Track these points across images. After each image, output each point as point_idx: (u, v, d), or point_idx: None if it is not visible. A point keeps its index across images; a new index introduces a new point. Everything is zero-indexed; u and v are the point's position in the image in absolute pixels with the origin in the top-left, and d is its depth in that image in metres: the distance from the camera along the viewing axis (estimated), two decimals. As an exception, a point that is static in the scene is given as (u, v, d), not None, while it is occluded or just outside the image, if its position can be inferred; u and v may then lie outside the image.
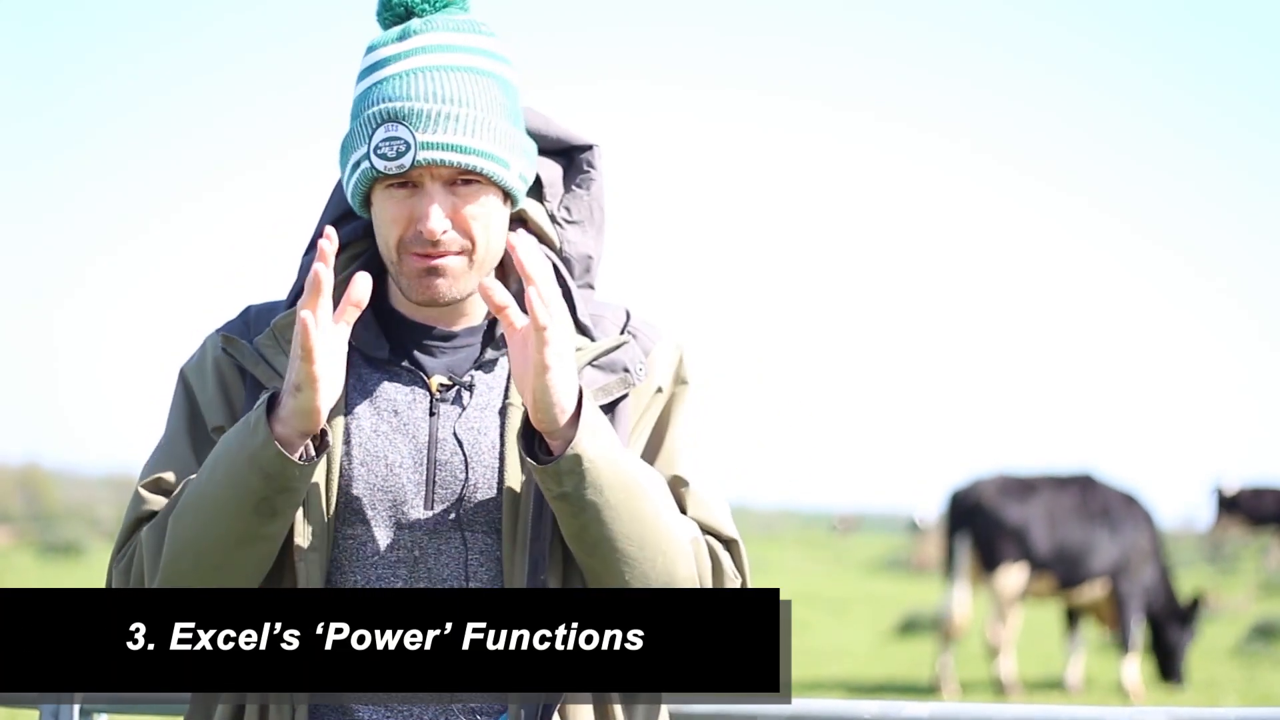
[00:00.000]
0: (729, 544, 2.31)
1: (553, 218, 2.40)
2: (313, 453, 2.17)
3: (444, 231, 2.22)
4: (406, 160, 2.20)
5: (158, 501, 2.27)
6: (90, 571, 22.38)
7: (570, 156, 2.43)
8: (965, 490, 13.73)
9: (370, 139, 2.22)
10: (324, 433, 2.19)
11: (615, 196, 2.45)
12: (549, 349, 2.10)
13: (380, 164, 2.21)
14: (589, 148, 2.42)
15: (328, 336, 2.13)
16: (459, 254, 2.24)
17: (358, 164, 2.24)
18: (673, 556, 2.21)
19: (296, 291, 2.35)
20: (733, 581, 2.29)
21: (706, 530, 2.30)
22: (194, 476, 2.21)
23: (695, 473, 2.32)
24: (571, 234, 2.40)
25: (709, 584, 2.26)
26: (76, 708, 3.03)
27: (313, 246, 2.38)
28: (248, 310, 2.37)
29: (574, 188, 2.41)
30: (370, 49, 2.29)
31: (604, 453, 2.15)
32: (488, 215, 2.25)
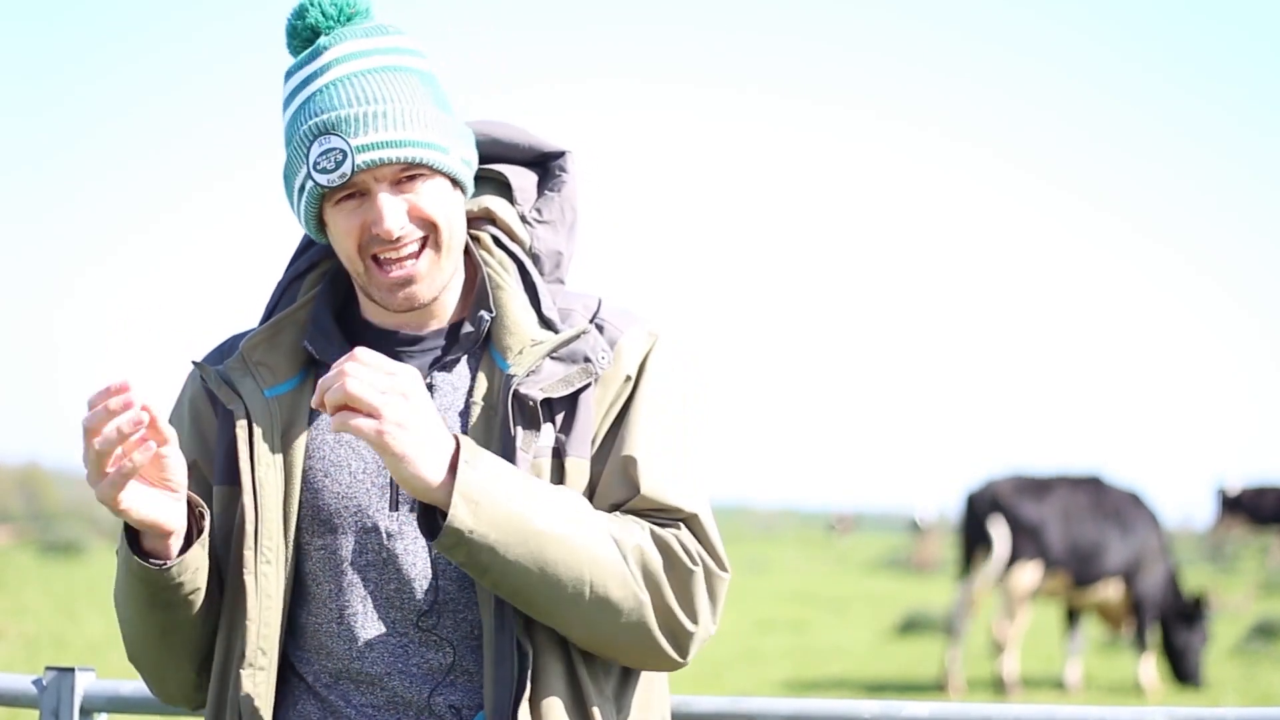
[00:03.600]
0: (688, 520, 2.25)
1: (524, 219, 2.40)
2: (179, 548, 2.19)
3: (400, 229, 2.22)
4: (347, 167, 2.20)
5: None
6: (90, 570, 22.38)
7: (545, 165, 2.44)
8: (981, 489, 13.78)
9: (308, 157, 2.22)
10: (200, 515, 2.21)
11: (590, 197, 2.45)
12: (389, 439, 2.08)
13: (322, 178, 2.21)
14: (561, 154, 2.43)
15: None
16: (424, 248, 2.24)
17: (302, 187, 2.25)
18: (602, 582, 2.17)
19: (268, 313, 2.37)
20: (691, 564, 2.22)
21: (659, 509, 2.24)
22: None
23: (647, 450, 2.26)
24: (542, 232, 2.40)
25: (660, 586, 2.21)
26: (77, 707, 3.02)
27: (296, 258, 2.41)
28: (224, 342, 2.39)
29: (546, 192, 2.42)
30: (288, 76, 2.29)
31: (487, 518, 2.12)
32: (441, 199, 2.25)
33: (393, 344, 2.30)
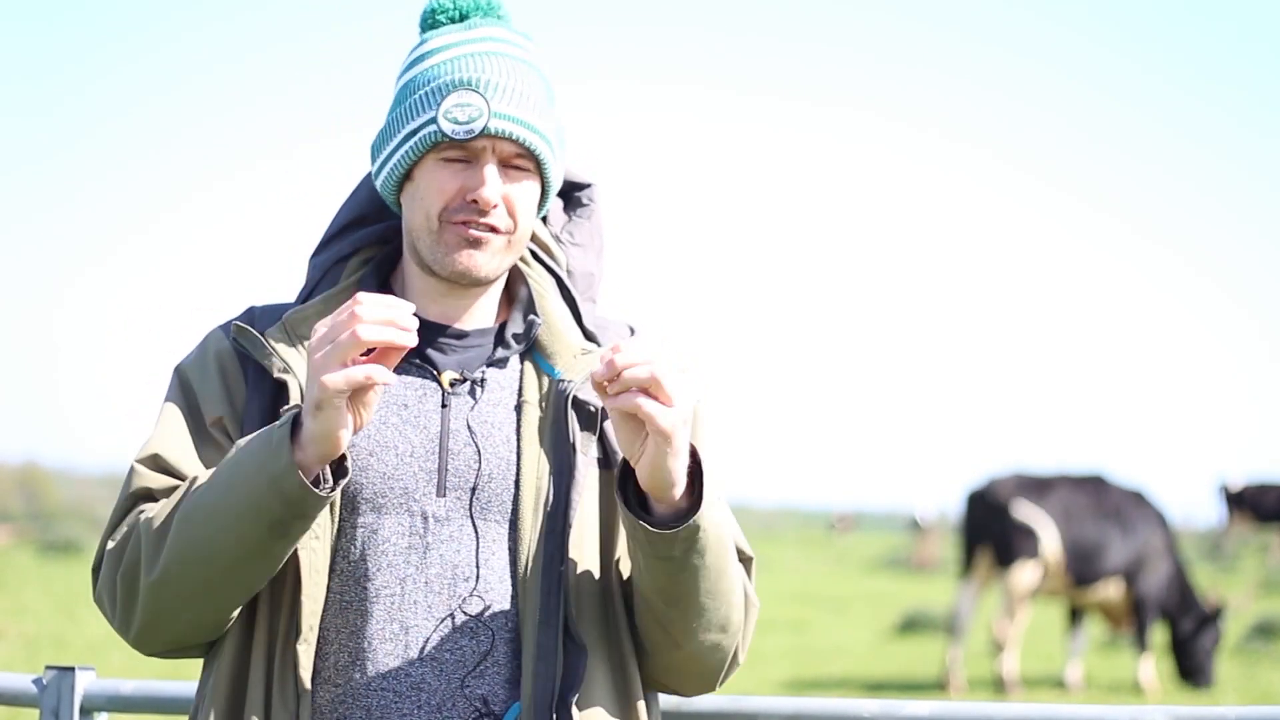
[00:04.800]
0: (746, 562, 2.39)
1: (557, 239, 2.48)
2: (329, 478, 2.16)
3: (495, 206, 2.27)
4: (478, 125, 2.25)
5: (155, 479, 2.27)
6: (90, 570, 22.35)
7: (568, 195, 2.51)
8: (982, 488, 13.79)
9: (439, 105, 2.26)
10: (343, 457, 2.17)
11: (615, 227, 2.54)
12: (678, 433, 2.12)
13: (449, 126, 2.25)
14: (587, 185, 2.51)
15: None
16: (501, 233, 2.29)
17: (415, 132, 2.27)
18: (734, 604, 2.28)
19: (307, 293, 2.39)
20: (753, 606, 2.36)
21: None
22: (202, 479, 2.20)
23: (718, 490, 2.36)
24: (574, 254, 2.48)
25: (744, 621, 2.33)
26: (77, 707, 3.02)
27: (322, 249, 2.42)
28: (251, 309, 2.39)
29: (575, 217, 2.50)
30: (426, 39, 2.34)
31: (715, 519, 2.20)
32: (530, 204, 2.31)
33: (437, 336, 2.33)
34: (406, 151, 2.28)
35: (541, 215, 2.40)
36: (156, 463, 2.28)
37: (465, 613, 2.24)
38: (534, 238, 2.45)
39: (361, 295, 2.09)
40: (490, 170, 2.26)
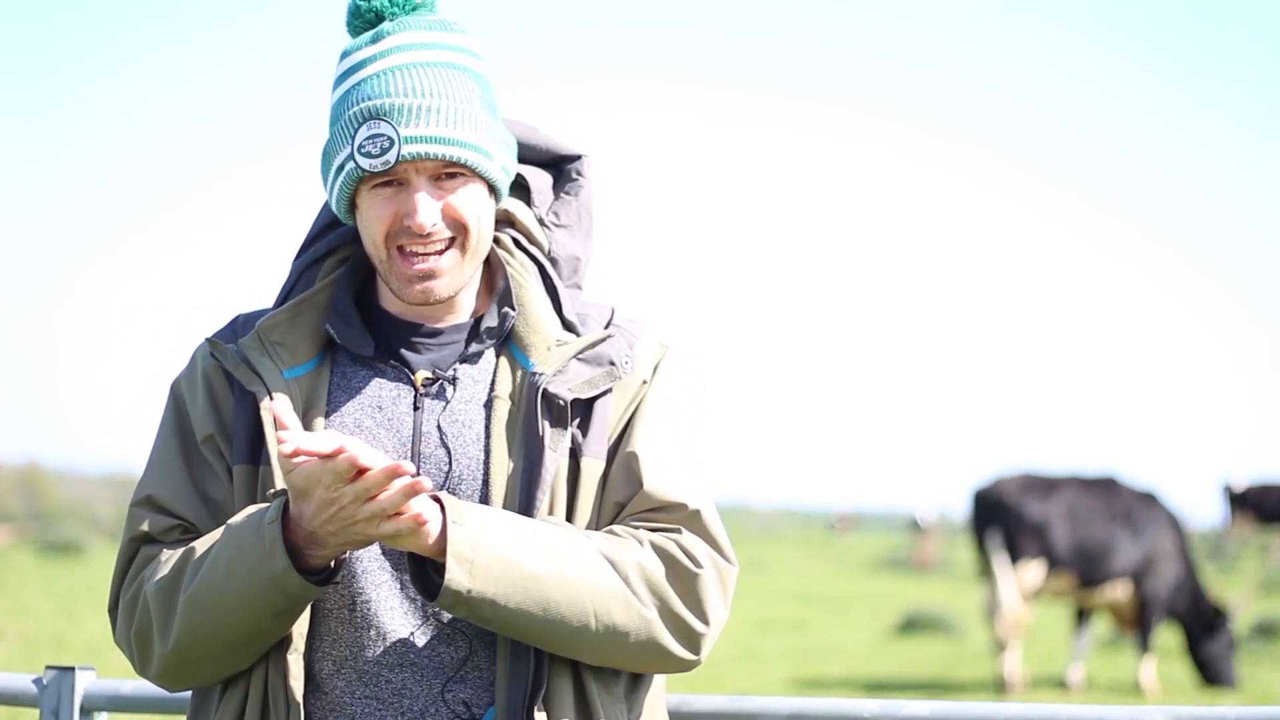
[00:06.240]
0: (690, 518, 2.27)
1: (541, 222, 2.42)
2: (331, 564, 2.20)
3: (433, 225, 2.23)
4: (391, 156, 2.21)
5: (153, 521, 2.29)
6: (90, 570, 22.37)
7: (559, 167, 2.45)
8: (988, 487, 13.76)
9: (353, 139, 2.23)
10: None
11: (605, 203, 2.47)
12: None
13: (365, 162, 2.22)
14: (577, 158, 2.45)
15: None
16: (450, 247, 2.25)
17: (341, 167, 2.25)
18: (606, 610, 2.19)
19: (284, 295, 2.37)
20: (695, 568, 2.24)
21: (661, 506, 2.26)
22: (200, 552, 2.22)
23: (649, 447, 2.28)
24: (560, 236, 2.42)
25: (666, 596, 2.23)
26: (77, 707, 3.02)
27: (304, 249, 2.41)
28: (236, 319, 2.38)
29: (563, 195, 2.44)
30: (344, 55, 2.31)
31: (482, 574, 2.14)
32: (475, 203, 2.27)
33: (411, 334, 2.32)
34: (340, 187, 2.27)
35: (501, 205, 2.35)
36: (152, 504, 2.30)
37: (441, 619, 2.23)
38: (516, 223, 2.40)
39: (358, 487, 2.10)
40: (420, 196, 2.23)
